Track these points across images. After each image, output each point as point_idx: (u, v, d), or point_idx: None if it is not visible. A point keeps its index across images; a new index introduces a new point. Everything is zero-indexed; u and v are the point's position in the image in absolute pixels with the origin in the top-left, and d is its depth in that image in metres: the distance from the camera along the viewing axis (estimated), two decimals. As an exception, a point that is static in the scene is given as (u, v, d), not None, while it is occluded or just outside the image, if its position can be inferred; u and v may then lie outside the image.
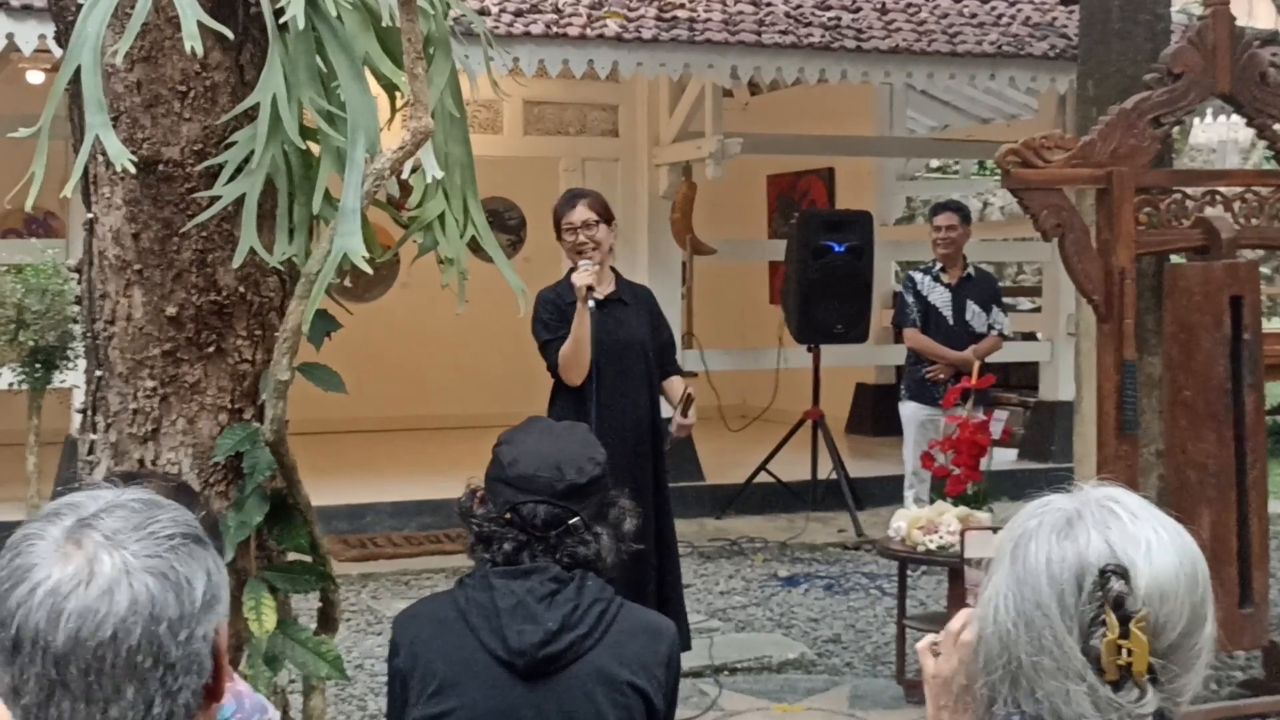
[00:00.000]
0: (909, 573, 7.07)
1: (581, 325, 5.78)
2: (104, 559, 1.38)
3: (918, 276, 9.25)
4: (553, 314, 5.92)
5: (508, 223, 14.10)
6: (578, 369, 5.83)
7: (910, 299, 9.17)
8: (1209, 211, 5.76)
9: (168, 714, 1.40)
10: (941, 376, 8.88)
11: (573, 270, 5.98)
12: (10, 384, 7.50)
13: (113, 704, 1.36)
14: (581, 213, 5.89)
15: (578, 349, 5.80)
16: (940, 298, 9.09)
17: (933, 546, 6.34)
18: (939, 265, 9.13)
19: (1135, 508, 1.68)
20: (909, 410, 9.23)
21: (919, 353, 9.19)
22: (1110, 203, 5.51)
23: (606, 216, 5.96)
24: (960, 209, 9.37)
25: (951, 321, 9.06)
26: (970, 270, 9.20)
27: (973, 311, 9.09)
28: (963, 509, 6.45)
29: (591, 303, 5.82)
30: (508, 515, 2.60)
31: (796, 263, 10.21)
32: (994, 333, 9.14)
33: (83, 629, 1.35)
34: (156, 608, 1.38)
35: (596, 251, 5.87)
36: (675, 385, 6.15)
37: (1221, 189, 5.92)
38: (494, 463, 2.68)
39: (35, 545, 1.39)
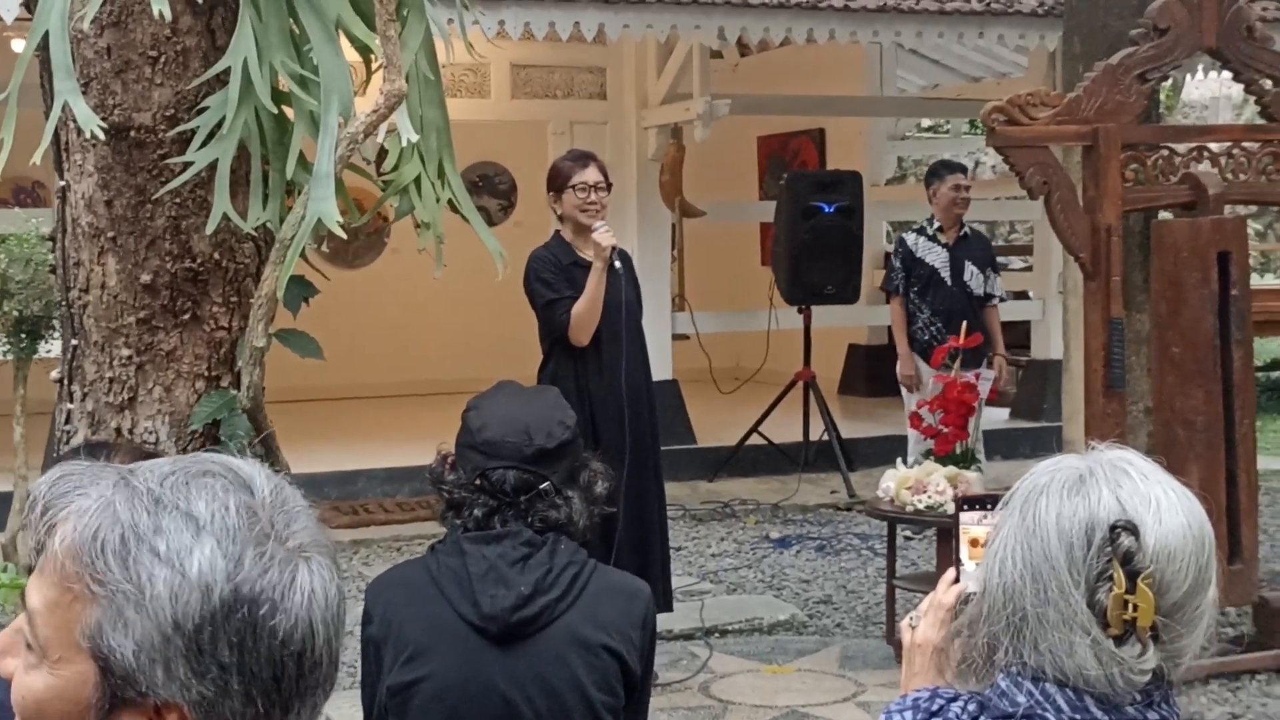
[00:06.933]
0: (899, 533, 7.07)
1: (600, 285, 5.76)
2: (316, 569, 1.34)
3: (910, 238, 8.96)
4: (554, 273, 5.88)
5: (498, 187, 14.05)
6: (589, 328, 5.81)
7: (898, 264, 8.96)
8: (1196, 167, 5.75)
9: None
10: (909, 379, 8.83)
11: (559, 231, 6.00)
12: (-4, 354, 7.47)
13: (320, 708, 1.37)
14: (594, 174, 5.92)
15: (594, 308, 5.78)
16: (938, 259, 8.79)
17: (921, 506, 6.33)
18: (937, 225, 8.85)
19: (1146, 470, 1.71)
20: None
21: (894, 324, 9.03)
22: (1096, 159, 5.50)
23: (608, 183, 6.02)
24: (965, 169, 9.30)
25: (950, 283, 8.77)
26: (966, 230, 8.93)
27: (970, 272, 8.80)
28: (951, 469, 6.44)
29: (618, 263, 5.83)
30: (477, 481, 2.58)
31: (786, 224, 10.15)
32: (994, 303, 8.95)
33: (332, 637, 1.37)
34: None
35: (600, 214, 5.86)
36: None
37: (1209, 145, 5.91)
38: (463, 429, 2.66)
39: (263, 555, 1.29)
